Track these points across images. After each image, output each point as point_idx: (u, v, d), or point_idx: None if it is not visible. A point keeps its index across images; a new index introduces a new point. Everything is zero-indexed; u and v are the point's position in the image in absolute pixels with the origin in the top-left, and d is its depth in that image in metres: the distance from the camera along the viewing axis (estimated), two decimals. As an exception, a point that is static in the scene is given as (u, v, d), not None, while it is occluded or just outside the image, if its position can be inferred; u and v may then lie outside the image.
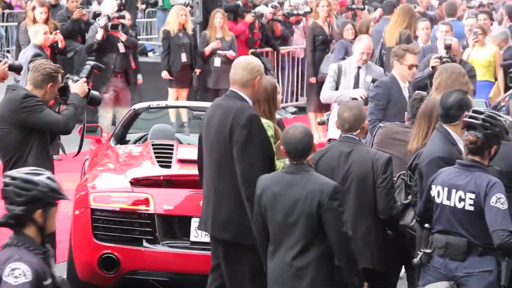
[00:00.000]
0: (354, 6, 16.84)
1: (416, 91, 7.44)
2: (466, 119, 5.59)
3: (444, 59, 8.96)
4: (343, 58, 12.79)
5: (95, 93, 7.09)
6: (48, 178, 4.33)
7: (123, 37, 12.84)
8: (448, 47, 9.20)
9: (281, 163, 6.46)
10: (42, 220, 4.29)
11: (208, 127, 6.29)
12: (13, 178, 4.30)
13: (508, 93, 10.01)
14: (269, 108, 6.61)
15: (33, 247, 4.28)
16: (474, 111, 5.61)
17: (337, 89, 9.63)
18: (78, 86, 6.85)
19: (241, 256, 6.11)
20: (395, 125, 7.15)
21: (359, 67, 9.64)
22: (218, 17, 13.51)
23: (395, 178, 6.31)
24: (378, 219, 6.19)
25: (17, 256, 4.21)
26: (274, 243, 5.60)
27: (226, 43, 13.50)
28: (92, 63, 7.15)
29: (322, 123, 8.86)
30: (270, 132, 6.33)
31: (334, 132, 8.06)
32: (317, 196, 5.45)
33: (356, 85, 9.56)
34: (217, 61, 13.44)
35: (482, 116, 5.50)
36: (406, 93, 8.49)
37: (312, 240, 5.49)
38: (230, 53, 13.45)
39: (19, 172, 4.34)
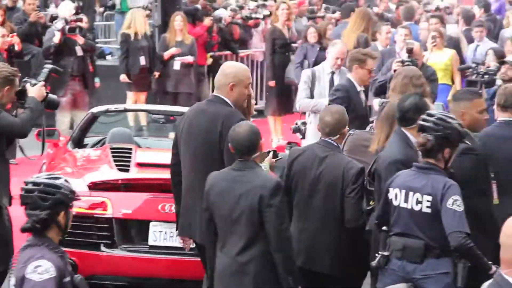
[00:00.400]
0: (313, 15, 16.90)
1: (381, 100, 7.53)
2: (419, 122, 5.64)
3: (406, 63, 9.01)
4: (302, 62, 12.89)
5: (53, 96, 7.03)
6: (66, 181, 4.52)
7: (80, 40, 12.75)
8: (410, 51, 9.26)
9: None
10: (64, 222, 4.47)
11: (191, 133, 6.22)
12: (36, 184, 4.47)
13: None
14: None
15: (53, 246, 4.43)
16: (426, 114, 5.64)
17: (312, 95, 9.56)
18: (35, 90, 6.79)
19: None
20: (365, 133, 7.20)
21: (333, 72, 9.54)
22: (178, 20, 13.46)
23: None
24: (341, 226, 6.23)
25: (39, 254, 4.35)
26: (221, 240, 5.65)
27: (185, 46, 13.45)
28: (50, 66, 7.09)
29: (297, 130, 8.78)
30: None
31: (313, 138, 8.08)
32: (259, 191, 5.50)
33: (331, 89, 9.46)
34: (176, 65, 13.39)
35: (432, 119, 5.53)
36: (362, 97, 8.57)
37: (256, 236, 5.52)
38: (188, 59, 13.40)
39: (40, 178, 4.51)
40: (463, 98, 6.35)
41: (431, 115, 5.59)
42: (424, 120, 5.58)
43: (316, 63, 12.69)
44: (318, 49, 12.82)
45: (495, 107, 7.04)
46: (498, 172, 6.31)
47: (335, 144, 6.35)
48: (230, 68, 6.33)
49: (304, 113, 9.72)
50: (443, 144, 5.51)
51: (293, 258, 5.59)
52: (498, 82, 9.06)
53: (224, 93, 6.17)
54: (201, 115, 6.21)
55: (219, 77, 6.25)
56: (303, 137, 8.85)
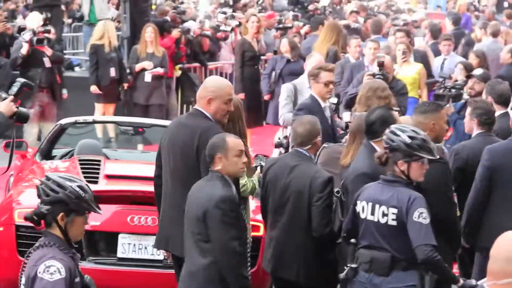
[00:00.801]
0: (281, 26, 16.95)
1: (356, 112, 7.56)
2: (382, 137, 5.68)
3: (377, 76, 9.05)
4: (270, 73, 12.94)
5: (23, 110, 6.93)
6: (79, 186, 4.47)
7: (48, 51, 12.69)
8: (381, 64, 9.30)
9: (250, 182, 6.52)
10: (64, 224, 4.44)
11: (170, 146, 6.24)
12: (48, 179, 4.50)
13: None
14: (240, 127, 6.70)
15: (63, 247, 4.42)
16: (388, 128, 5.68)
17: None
18: (4, 105, 6.71)
19: None
20: (339, 146, 7.24)
21: None
22: (149, 31, 13.42)
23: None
24: (310, 235, 6.25)
25: (50, 254, 4.36)
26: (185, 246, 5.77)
27: (156, 59, 13.40)
28: (22, 80, 6.98)
29: (279, 145, 8.76)
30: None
31: None
32: (205, 204, 5.54)
33: None
34: (147, 77, 13.35)
35: (387, 132, 5.61)
36: (327, 113, 8.48)
37: (205, 246, 5.54)
38: (158, 71, 13.37)
39: (56, 175, 4.52)
40: (432, 110, 6.43)
41: (388, 129, 5.64)
42: (384, 134, 5.64)
43: (281, 74, 12.77)
44: (286, 60, 12.87)
45: (465, 120, 7.15)
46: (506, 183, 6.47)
47: (307, 154, 6.40)
48: (211, 82, 6.38)
49: (285, 126, 9.69)
50: (395, 157, 5.54)
51: (238, 269, 5.57)
52: (465, 96, 9.14)
53: (203, 106, 6.20)
54: (181, 128, 6.24)
55: (200, 90, 6.30)
56: (286, 151, 8.85)
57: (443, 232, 6.04)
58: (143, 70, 13.33)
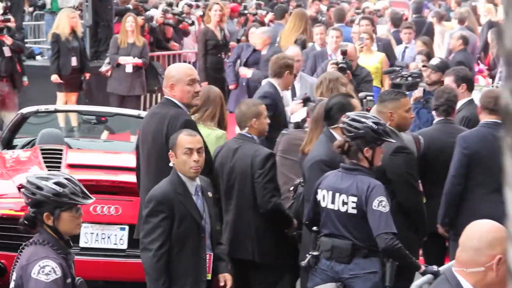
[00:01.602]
0: (246, 12, 16.94)
1: (318, 98, 7.56)
2: (340, 124, 5.69)
3: (341, 65, 9.07)
4: (235, 61, 12.89)
5: None
6: (56, 183, 4.40)
7: (8, 40, 12.57)
8: (344, 53, 9.32)
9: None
10: (52, 223, 4.39)
11: (144, 135, 6.31)
12: (27, 182, 4.48)
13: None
14: (221, 116, 6.80)
15: (57, 247, 4.38)
16: (344, 116, 5.68)
17: None
18: None
19: None
20: (299, 131, 7.23)
21: None
22: (129, 21, 13.28)
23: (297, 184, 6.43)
24: (258, 213, 6.34)
25: (43, 254, 4.32)
26: None
27: (137, 48, 13.26)
28: None
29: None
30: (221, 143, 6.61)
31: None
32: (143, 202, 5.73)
33: (294, 96, 9.10)
34: (128, 68, 13.23)
35: (347, 120, 5.59)
36: (284, 102, 8.51)
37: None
38: (137, 62, 13.26)
39: (34, 176, 4.52)
40: (390, 98, 6.45)
41: (346, 116, 5.63)
42: (342, 122, 5.64)
43: (247, 63, 12.74)
44: (252, 49, 12.84)
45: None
46: (489, 168, 6.52)
47: (249, 135, 6.50)
48: (170, 68, 6.46)
49: None
50: (360, 144, 5.54)
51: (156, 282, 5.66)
52: (422, 84, 9.19)
53: (169, 93, 6.24)
54: (152, 118, 6.30)
55: (164, 80, 6.35)
56: None
57: (409, 220, 6.10)
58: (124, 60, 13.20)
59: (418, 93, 9.41)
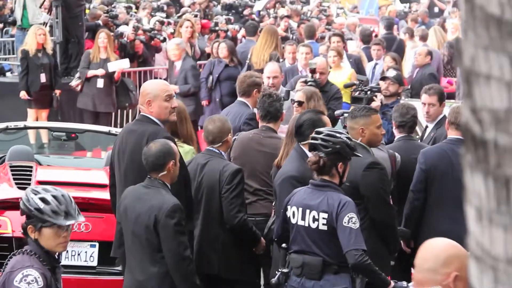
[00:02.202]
0: (217, 28, 16.97)
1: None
2: (309, 140, 5.69)
3: (309, 83, 9.10)
4: (207, 77, 12.91)
5: None
6: (41, 198, 4.49)
7: None
8: (312, 71, 9.34)
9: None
10: (34, 237, 4.46)
11: (120, 153, 6.23)
12: (25, 191, 4.60)
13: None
14: (188, 129, 6.87)
15: (43, 259, 4.42)
16: (315, 132, 5.70)
17: None
18: None
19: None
20: (246, 134, 7.24)
21: None
22: (102, 37, 13.27)
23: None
24: (225, 228, 6.39)
25: (28, 263, 4.37)
26: (127, 257, 5.71)
27: None
28: None
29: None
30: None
31: None
32: (154, 212, 5.55)
33: None
34: (100, 83, 13.20)
35: (321, 136, 5.60)
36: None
37: (155, 255, 5.56)
38: (123, 67, 13.24)
39: (32, 188, 4.63)
40: (361, 115, 6.50)
41: (319, 132, 5.65)
42: (313, 138, 5.64)
43: (219, 78, 12.76)
44: (224, 65, 12.86)
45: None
46: (446, 184, 6.59)
47: (217, 151, 6.54)
48: (145, 85, 6.43)
49: None
50: (335, 159, 5.56)
51: (192, 277, 5.61)
52: (379, 97, 9.23)
53: (146, 111, 6.20)
54: (129, 135, 6.23)
55: (139, 97, 6.32)
56: None
57: (382, 236, 6.14)
58: (95, 76, 13.19)
59: (375, 105, 9.46)
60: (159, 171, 5.67)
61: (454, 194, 6.38)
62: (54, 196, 4.49)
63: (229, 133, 6.60)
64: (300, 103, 7.81)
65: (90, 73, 13.13)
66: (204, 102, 12.97)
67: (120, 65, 13.32)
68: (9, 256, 4.52)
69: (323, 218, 5.52)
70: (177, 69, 12.68)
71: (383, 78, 9.45)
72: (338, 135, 5.61)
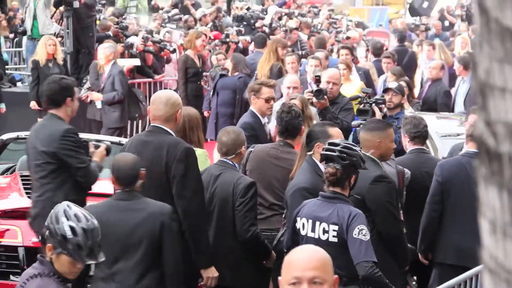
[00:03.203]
0: (228, 40, 17.01)
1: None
2: (323, 152, 5.69)
3: (316, 92, 9.07)
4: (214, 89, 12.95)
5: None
6: (71, 227, 4.39)
7: None
8: (317, 80, 9.30)
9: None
10: (50, 256, 4.37)
11: None
12: (58, 207, 4.51)
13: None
14: (199, 136, 6.80)
15: (61, 278, 4.34)
16: (330, 144, 5.70)
17: None
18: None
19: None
20: (264, 147, 7.22)
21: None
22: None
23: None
24: (237, 241, 6.39)
25: (50, 286, 4.28)
26: (109, 269, 5.62)
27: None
28: None
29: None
30: (208, 162, 6.65)
31: None
32: (159, 218, 5.59)
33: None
34: (98, 104, 13.15)
35: (338, 148, 5.61)
36: (267, 129, 8.43)
37: (154, 262, 5.59)
38: (133, 63, 13.28)
39: (65, 206, 4.49)
40: (378, 128, 6.51)
41: (335, 145, 5.66)
42: (328, 150, 5.64)
43: (215, 88, 12.76)
44: (219, 75, 12.85)
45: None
46: (461, 197, 6.63)
47: (231, 163, 6.53)
48: (171, 98, 6.24)
49: None
50: (350, 172, 5.59)
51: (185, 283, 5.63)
52: (384, 109, 9.24)
53: (168, 122, 6.10)
54: (142, 146, 6.12)
55: (165, 108, 6.13)
56: None
57: (390, 249, 6.14)
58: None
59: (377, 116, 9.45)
60: (136, 181, 5.69)
61: (470, 207, 6.38)
62: (84, 230, 4.39)
63: (243, 145, 6.58)
64: None
65: (91, 96, 13.08)
66: (205, 113, 12.97)
67: (130, 62, 13.36)
68: (25, 278, 4.38)
69: (334, 230, 5.53)
70: (105, 74, 12.66)
71: (386, 90, 9.45)
72: (354, 148, 5.65)
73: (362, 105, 9.30)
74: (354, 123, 8.10)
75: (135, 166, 5.67)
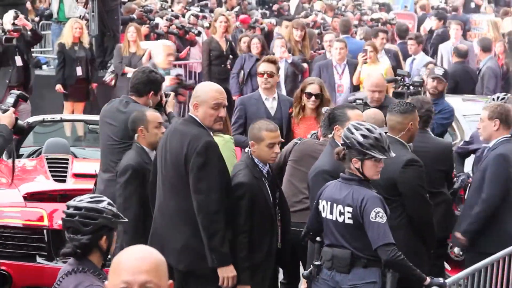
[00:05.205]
0: (256, 24, 16.99)
1: (324, 107, 7.59)
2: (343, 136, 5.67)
3: (357, 101, 8.75)
4: (238, 72, 12.90)
5: (21, 122, 6.77)
6: (109, 204, 4.39)
7: (28, 26, 12.64)
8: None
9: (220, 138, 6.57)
10: (106, 246, 4.34)
11: (164, 152, 6.03)
12: (77, 209, 4.36)
13: None
14: (229, 128, 6.93)
15: (98, 272, 4.29)
16: (347, 129, 5.64)
17: None
18: (7, 117, 6.51)
19: (196, 285, 5.96)
20: (312, 141, 7.10)
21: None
22: (131, 31, 13.32)
23: None
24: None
25: (87, 282, 4.21)
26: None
27: (137, 57, 13.25)
28: (17, 92, 6.83)
29: None
30: (232, 146, 6.72)
31: None
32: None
33: None
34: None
35: (344, 129, 5.68)
36: (269, 105, 8.38)
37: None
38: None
39: (82, 202, 4.39)
40: (410, 110, 6.51)
41: (346, 126, 5.74)
42: (345, 136, 5.64)
43: (251, 73, 12.74)
44: (255, 60, 12.84)
45: (481, 125, 7.02)
46: None
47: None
48: (198, 87, 6.17)
49: None
50: (350, 154, 5.55)
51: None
52: (427, 94, 9.19)
53: (193, 112, 6.00)
54: (173, 135, 6.04)
55: (192, 96, 6.08)
56: None
57: (419, 232, 6.13)
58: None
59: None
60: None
61: None
62: (109, 203, 4.42)
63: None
64: (317, 96, 7.95)
65: (126, 69, 13.17)
66: (234, 97, 12.92)
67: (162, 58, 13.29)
68: (59, 277, 4.30)
69: (348, 212, 5.51)
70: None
71: (434, 78, 9.17)
72: (353, 130, 5.55)
73: (400, 87, 9.25)
74: (350, 98, 8.06)
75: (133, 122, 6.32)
